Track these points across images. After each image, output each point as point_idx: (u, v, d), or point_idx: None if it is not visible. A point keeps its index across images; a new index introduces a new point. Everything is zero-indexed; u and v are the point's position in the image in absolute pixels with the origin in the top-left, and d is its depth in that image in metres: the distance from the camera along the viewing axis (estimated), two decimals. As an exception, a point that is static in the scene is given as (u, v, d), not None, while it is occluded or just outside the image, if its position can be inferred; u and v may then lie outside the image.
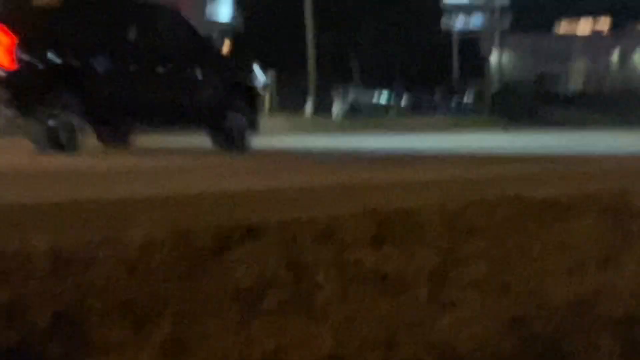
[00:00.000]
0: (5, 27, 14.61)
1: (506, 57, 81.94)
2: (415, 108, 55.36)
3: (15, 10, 15.45)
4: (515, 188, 6.98)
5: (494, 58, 70.63)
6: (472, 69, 63.82)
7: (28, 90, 14.75)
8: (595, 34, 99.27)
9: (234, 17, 69.58)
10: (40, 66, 15.05)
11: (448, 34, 67.67)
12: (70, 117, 14.97)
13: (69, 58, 15.39)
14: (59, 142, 14.73)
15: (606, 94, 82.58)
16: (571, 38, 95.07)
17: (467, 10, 66.65)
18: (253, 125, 17.81)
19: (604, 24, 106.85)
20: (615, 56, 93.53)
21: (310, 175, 11.47)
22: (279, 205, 7.17)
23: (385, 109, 54.07)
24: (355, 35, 66.63)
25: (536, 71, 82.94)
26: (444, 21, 67.80)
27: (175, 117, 17.19)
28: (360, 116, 48.96)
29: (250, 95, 18.15)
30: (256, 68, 20.72)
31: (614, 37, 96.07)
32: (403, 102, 55.29)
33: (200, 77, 17.57)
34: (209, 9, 69.05)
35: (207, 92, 17.40)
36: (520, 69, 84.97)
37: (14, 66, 14.55)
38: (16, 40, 14.55)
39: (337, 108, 48.01)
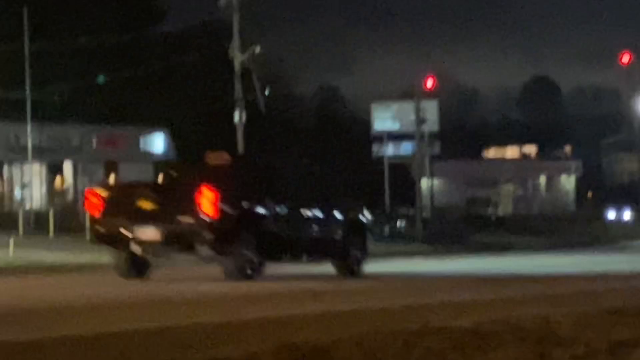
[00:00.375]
0: (209, 185, 18.77)
1: (437, 183, 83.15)
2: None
3: (209, 170, 20.74)
4: (440, 317, 7.22)
5: (424, 184, 71.66)
6: (403, 195, 64.56)
7: (225, 233, 19.07)
8: (522, 161, 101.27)
9: (167, 149, 70.02)
10: (233, 213, 19.31)
11: (379, 160, 68.55)
12: (252, 253, 19.26)
13: (246, 206, 19.94)
14: (246, 272, 18.87)
15: (534, 217, 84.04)
16: (500, 163, 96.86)
17: (397, 137, 67.82)
18: (365, 256, 22.17)
19: (530, 150, 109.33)
20: (541, 181, 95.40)
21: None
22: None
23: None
24: (280, 165, 67.30)
25: (466, 196, 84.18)
26: (375, 148, 68.84)
27: (316, 250, 21.38)
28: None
29: (363, 231, 22.92)
30: (364, 209, 24.79)
31: (540, 163, 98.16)
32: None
33: (332, 217, 21.96)
34: (143, 141, 69.57)
35: (336, 229, 21.74)
36: (451, 194, 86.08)
37: (217, 215, 18.73)
38: (218, 195, 18.72)
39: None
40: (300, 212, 21.22)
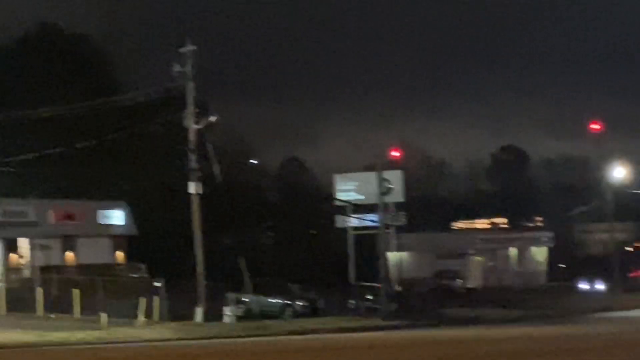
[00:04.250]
0: None
1: (404, 255, 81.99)
2: (312, 309, 54.29)
3: None
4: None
5: (392, 257, 70.46)
6: (370, 268, 63.29)
7: None
8: (492, 232, 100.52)
9: (126, 223, 68.69)
10: None
11: (344, 233, 67.42)
12: None
13: None
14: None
15: (504, 289, 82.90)
16: (469, 235, 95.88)
17: (362, 208, 66.73)
18: None
19: (500, 221, 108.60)
20: (511, 253, 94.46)
21: None
22: None
23: (281, 312, 52.98)
24: (246, 239, 66.37)
25: (435, 268, 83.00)
26: (340, 220, 67.67)
27: None
28: (255, 320, 47.76)
29: None
30: None
31: (510, 235, 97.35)
32: (298, 304, 54.27)
33: None
34: (101, 214, 68.28)
35: None
36: (419, 267, 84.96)
37: None
38: None
39: (229, 313, 46.78)
40: None
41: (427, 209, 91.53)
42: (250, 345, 33.56)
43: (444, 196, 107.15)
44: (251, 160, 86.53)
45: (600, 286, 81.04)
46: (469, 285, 79.63)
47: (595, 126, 77.58)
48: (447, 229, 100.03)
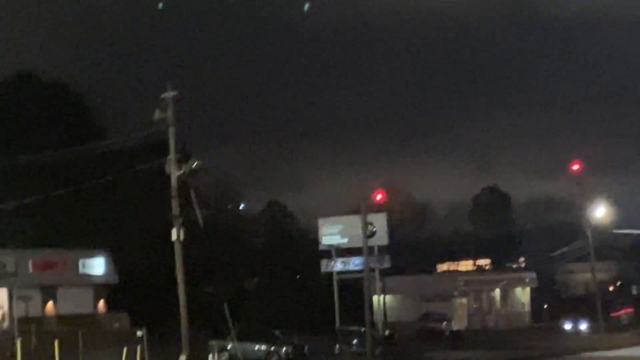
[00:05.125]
0: None
1: (389, 299, 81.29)
2: (297, 356, 53.58)
3: None
4: None
5: (376, 300, 69.85)
6: (355, 312, 62.65)
7: None
8: (476, 274, 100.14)
9: (107, 271, 67.77)
10: None
11: (329, 277, 66.85)
12: None
13: None
14: None
15: (489, 331, 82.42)
16: (453, 277, 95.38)
17: (346, 252, 66.23)
18: None
19: (484, 263, 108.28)
20: (496, 294, 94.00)
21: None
22: None
23: (265, 358, 52.26)
24: (230, 285, 65.58)
25: (420, 311, 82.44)
26: (324, 264, 67.10)
27: None
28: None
29: None
30: None
31: (494, 276, 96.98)
32: (283, 351, 53.56)
33: None
34: (82, 264, 67.36)
35: None
36: (404, 310, 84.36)
37: None
38: None
39: (213, 360, 46.15)
40: None
41: (411, 251, 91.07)
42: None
43: (427, 238, 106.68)
44: (241, 206, 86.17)
45: (583, 326, 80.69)
46: (455, 328, 79.02)
47: (575, 166, 77.61)
48: (431, 271, 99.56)
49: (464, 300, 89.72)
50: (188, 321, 42.92)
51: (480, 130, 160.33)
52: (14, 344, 47.39)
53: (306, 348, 54.14)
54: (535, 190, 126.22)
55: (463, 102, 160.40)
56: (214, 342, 49.28)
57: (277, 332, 54.73)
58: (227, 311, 42.71)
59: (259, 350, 52.17)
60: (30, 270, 64.31)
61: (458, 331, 78.04)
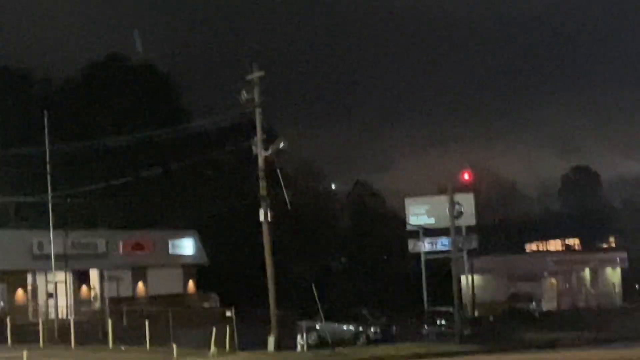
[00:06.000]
0: None
1: (478, 279, 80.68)
2: (385, 336, 53.38)
3: None
4: None
5: (464, 280, 69.36)
6: (443, 292, 62.29)
7: None
8: (566, 254, 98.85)
9: (196, 252, 68.43)
10: None
11: (416, 257, 66.59)
12: None
13: None
14: None
15: (579, 311, 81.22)
16: (543, 257, 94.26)
17: (434, 232, 65.86)
18: None
19: (573, 243, 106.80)
20: (586, 275, 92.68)
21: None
22: None
23: (354, 339, 52.11)
24: (317, 266, 65.66)
25: (508, 291, 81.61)
26: (411, 245, 66.84)
27: None
28: (328, 347, 46.92)
29: None
30: None
31: (584, 256, 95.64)
32: (372, 331, 53.35)
33: None
34: (171, 244, 68.11)
35: None
36: (493, 290, 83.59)
37: None
38: None
39: (301, 341, 46.06)
40: None
41: (499, 231, 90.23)
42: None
43: (516, 218, 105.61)
44: (333, 186, 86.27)
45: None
46: (544, 308, 78.08)
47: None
48: (520, 251, 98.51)
49: (554, 280, 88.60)
50: (276, 302, 43.05)
51: (567, 109, 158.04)
52: (106, 324, 48.02)
53: (394, 328, 53.90)
54: (624, 169, 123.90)
55: (551, 81, 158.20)
56: (302, 323, 49.31)
57: (364, 313, 54.56)
58: (314, 291, 42.69)
59: (347, 330, 52.07)
60: (121, 251, 65.24)
61: (547, 311, 77.12)
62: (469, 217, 63.92)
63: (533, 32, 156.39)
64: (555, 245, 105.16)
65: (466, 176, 63.39)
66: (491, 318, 66.48)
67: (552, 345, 52.90)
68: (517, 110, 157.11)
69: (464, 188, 63.45)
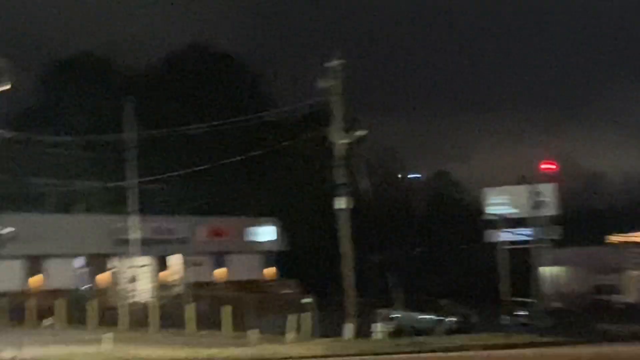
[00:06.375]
0: None
1: (559, 270, 79.71)
2: (464, 326, 53.03)
3: None
4: None
5: (546, 271, 68.55)
6: (522, 283, 61.70)
7: None
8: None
9: (275, 239, 68.71)
10: None
11: (495, 248, 65.93)
12: None
13: None
14: None
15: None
16: (625, 250, 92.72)
17: (513, 222, 65.14)
18: None
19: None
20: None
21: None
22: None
23: (433, 328, 51.89)
24: (395, 255, 65.48)
25: (592, 284, 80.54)
26: (490, 235, 66.19)
27: None
28: (405, 336, 46.77)
29: None
30: None
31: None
32: (451, 320, 53.07)
33: None
34: (251, 230, 68.49)
35: None
36: (575, 281, 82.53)
37: None
38: None
39: (379, 329, 45.98)
40: None
41: (581, 222, 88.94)
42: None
43: (599, 209, 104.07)
44: (414, 175, 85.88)
45: None
46: (627, 300, 76.87)
47: None
48: (602, 242, 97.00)
49: (637, 272, 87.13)
50: (354, 290, 43.05)
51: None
52: (185, 309, 48.50)
53: (473, 318, 53.54)
54: None
55: (636, 70, 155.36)
56: (380, 311, 49.23)
57: (443, 302, 54.30)
58: (392, 280, 42.63)
59: (426, 319, 51.87)
60: (201, 237, 65.84)
61: (631, 304, 75.93)
62: (550, 208, 63.07)
63: (619, 20, 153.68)
64: (639, 237, 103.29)
65: (548, 166, 62.70)
66: (573, 309, 65.64)
67: (638, 337, 52.03)
68: (603, 99, 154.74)
69: (546, 178, 62.71)
